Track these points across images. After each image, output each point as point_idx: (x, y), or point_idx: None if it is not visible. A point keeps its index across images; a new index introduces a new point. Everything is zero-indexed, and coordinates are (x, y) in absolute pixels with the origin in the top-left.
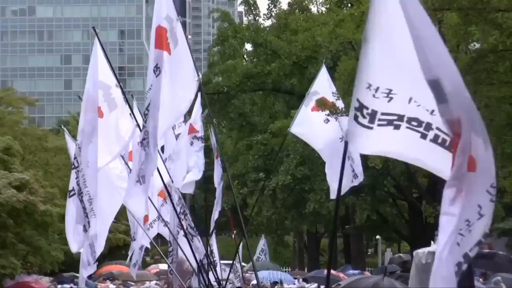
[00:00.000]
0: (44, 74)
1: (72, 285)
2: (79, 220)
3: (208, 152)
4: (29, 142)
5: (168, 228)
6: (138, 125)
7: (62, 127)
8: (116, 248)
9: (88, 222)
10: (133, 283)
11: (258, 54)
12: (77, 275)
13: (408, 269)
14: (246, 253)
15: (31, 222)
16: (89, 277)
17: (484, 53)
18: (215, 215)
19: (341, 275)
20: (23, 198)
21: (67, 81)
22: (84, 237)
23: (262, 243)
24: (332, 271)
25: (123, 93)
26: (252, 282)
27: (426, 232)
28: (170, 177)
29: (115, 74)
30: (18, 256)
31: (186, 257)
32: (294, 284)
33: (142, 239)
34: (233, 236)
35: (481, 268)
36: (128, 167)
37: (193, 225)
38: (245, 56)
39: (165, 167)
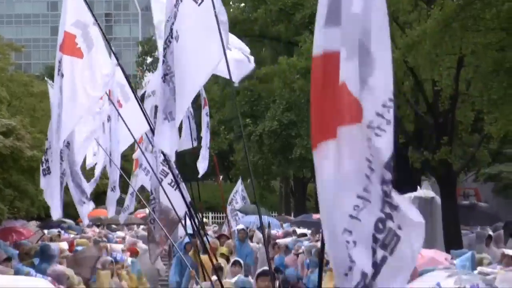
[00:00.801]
0: (31, 21)
1: (59, 229)
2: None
3: (195, 98)
4: (16, 88)
5: (155, 175)
6: (119, 64)
7: (46, 78)
8: (103, 194)
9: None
10: (118, 228)
11: (244, 1)
12: (65, 220)
13: None
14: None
15: (18, 167)
16: (76, 223)
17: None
18: (203, 163)
19: None
20: (9, 144)
21: (53, 28)
22: (65, 180)
23: (239, 187)
24: (318, 215)
25: (101, 31)
26: (237, 227)
27: (412, 177)
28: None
29: (91, 12)
30: (5, 201)
31: (172, 206)
32: (280, 229)
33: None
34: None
35: (464, 222)
36: (114, 105)
37: (177, 172)
38: (231, 3)
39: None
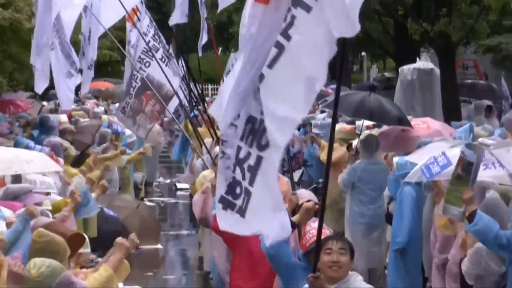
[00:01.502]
0: None
1: (55, 100)
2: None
3: None
4: None
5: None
6: None
7: None
8: (102, 65)
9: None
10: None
11: None
12: None
13: (392, 86)
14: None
15: (17, 39)
16: (77, 94)
17: None
18: (202, 36)
19: (329, 90)
20: (8, 15)
21: None
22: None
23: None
24: None
25: None
26: None
27: (411, 49)
28: None
29: None
30: (5, 73)
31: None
32: None
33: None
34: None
35: (464, 97)
36: None
37: (168, 47)
38: None
39: None
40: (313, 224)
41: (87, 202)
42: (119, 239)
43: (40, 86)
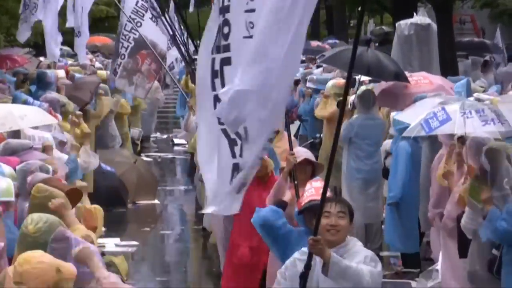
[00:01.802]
0: None
1: None
2: None
3: None
4: None
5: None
6: None
7: None
8: (99, 20)
9: None
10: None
11: None
12: (62, 47)
13: (389, 40)
14: None
15: None
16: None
17: None
18: None
19: (326, 46)
20: None
21: None
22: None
23: None
24: (316, 42)
25: None
26: None
27: (408, 4)
28: None
29: None
30: (2, 29)
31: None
32: None
33: None
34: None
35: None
36: None
37: (155, 5)
38: None
39: None
40: (314, 183)
41: (76, 169)
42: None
43: (22, 36)
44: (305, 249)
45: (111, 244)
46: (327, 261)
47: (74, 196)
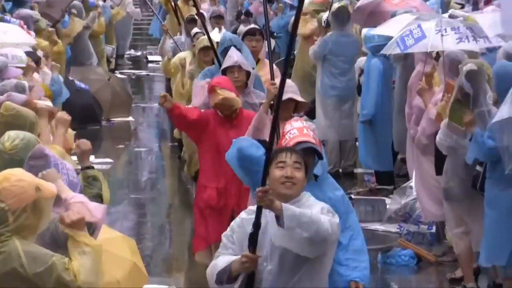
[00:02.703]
0: None
1: None
2: None
3: None
4: None
5: None
6: None
7: None
8: None
9: None
10: None
11: None
12: None
13: None
14: None
15: None
16: None
17: None
18: None
19: None
20: None
21: None
22: None
23: None
24: None
25: None
26: None
27: None
28: None
29: None
30: None
31: None
32: None
33: None
34: None
35: None
36: None
37: None
38: None
39: None
40: (295, 124)
41: (60, 90)
42: (60, 114)
43: None
44: (252, 208)
45: None
46: (279, 212)
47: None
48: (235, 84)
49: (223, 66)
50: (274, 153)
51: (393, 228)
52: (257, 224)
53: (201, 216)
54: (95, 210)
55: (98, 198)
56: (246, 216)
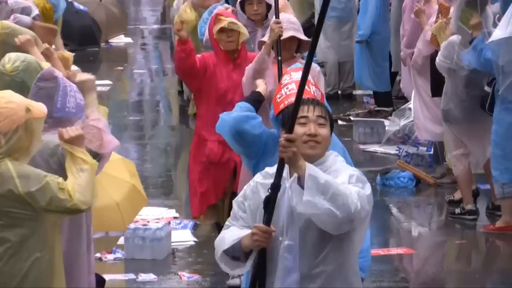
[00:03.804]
0: None
1: None
2: None
3: None
4: None
5: None
6: None
7: None
8: None
9: None
10: None
11: None
12: None
13: None
14: None
15: None
16: None
17: None
18: None
19: None
20: None
21: None
22: None
23: None
24: None
25: None
26: None
27: None
28: None
29: None
30: None
31: None
32: None
33: None
34: None
35: None
36: None
37: None
38: None
39: None
40: (294, 74)
41: (58, 3)
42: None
43: None
44: (269, 169)
45: None
46: (302, 173)
47: (47, 33)
48: (254, 17)
49: None
50: (296, 105)
51: (392, 150)
52: (276, 185)
53: (201, 173)
54: (108, 143)
55: None
56: (261, 179)
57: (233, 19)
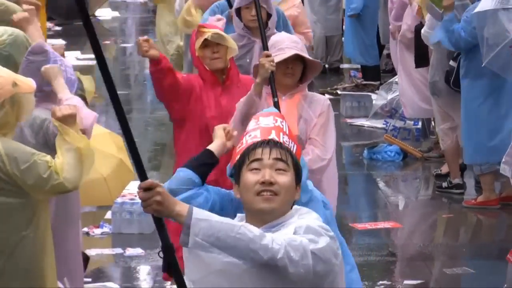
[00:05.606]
0: None
1: None
2: None
3: None
4: None
5: None
6: None
7: None
8: None
9: None
10: None
11: None
12: None
13: None
14: None
15: None
16: None
17: None
18: None
19: None
20: None
21: None
22: None
23: None
24: None
25: None
26: None
27: None
28: None
29: None
30: None
31: None
32: None
33: None
34: None
35: None
36: None
37: None
38: None
39: None
40: (263, 120)
41: None
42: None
43: None
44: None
45: (71, 57)
46: (184, 219)
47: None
48: (252, 24)
49: (237, 4)
50: (245, 150)
51: (379, 124)
52: (168, 247)
53: None
54: (86, 118)
55: (81, 98)
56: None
57: (219, 30)
